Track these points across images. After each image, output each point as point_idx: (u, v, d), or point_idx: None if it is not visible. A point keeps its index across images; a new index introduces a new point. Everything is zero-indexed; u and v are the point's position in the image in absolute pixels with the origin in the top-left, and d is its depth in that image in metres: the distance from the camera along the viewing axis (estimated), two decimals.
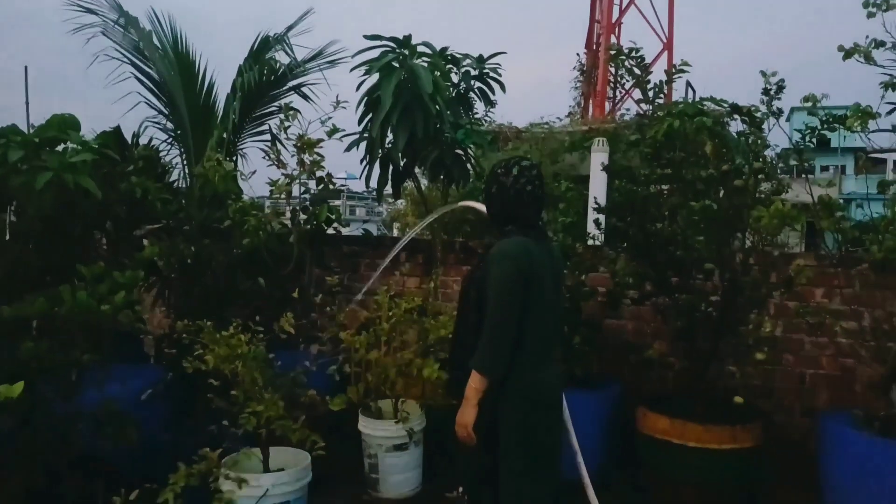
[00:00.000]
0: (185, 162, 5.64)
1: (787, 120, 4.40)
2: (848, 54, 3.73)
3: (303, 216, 4.95)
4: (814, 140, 4.15)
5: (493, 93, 5.00)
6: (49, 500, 3.07)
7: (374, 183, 5.03)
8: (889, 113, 3.74)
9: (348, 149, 4.82)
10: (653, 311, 4.48)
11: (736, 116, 4.08)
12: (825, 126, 4.00)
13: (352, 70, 4.58)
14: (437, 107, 4.43)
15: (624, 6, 22.79)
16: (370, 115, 4.64)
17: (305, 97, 5.91)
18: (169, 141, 5.78)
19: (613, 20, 22.66)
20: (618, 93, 20.16)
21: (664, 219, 4.17)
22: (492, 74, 4.93)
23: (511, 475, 2.63)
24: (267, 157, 4.89)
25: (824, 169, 29.05)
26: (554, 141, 10.28)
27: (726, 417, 3.79)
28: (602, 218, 4.55)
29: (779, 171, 4.21)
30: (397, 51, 4.48)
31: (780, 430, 4.32)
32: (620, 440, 4.25)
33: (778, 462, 4.10)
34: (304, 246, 4.81)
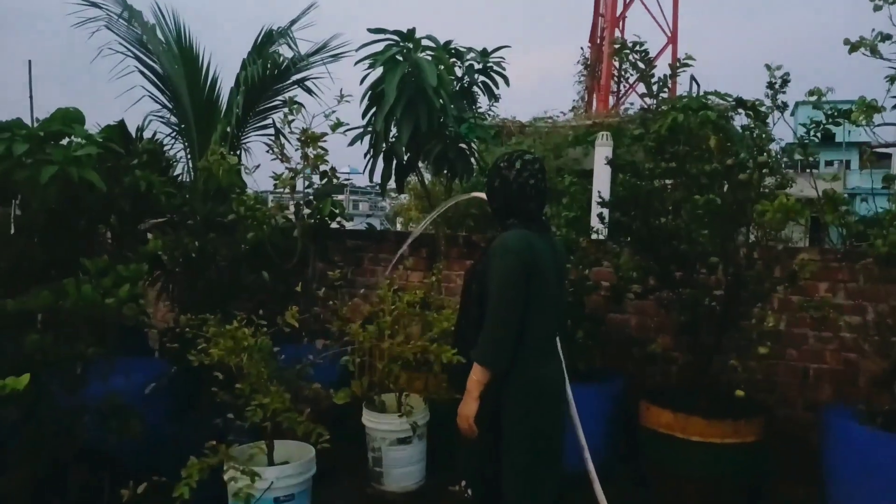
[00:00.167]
0: (188, 156, 5.65)
1: (792, 114, 4.38)
2: (854, 48, 3.71)
3: (306, 210, 4.95)
4: (818, 134, 4.13)
5: (497, 87, 5.00)
6: (54, 493, 3.09)
7: (377, 177, 5.04)
8: (895, 107, 3.72)
9: (352, 142, 4.83)
10: (656, 306, 4.48)
11: (740, 110, 4.07)
12: (830, 120, 3.98)
13: (356, 63, 4.58)
14: (441, 100, 4.43)
15: (628, 0, 22.73)
16: (374, 109, 4.64)
17: (309, 91, 5.90)
18: (173, 135, 5.78)
19: (617, 14, 22.61)
20: (622, 87, 20.13)
21: (668, 213, 4.16)
22: (495, 68, 4.93)
23: (514, 469, 2.64)
24: (271, 151, 4.90)
25: (829, 164, 28.93)
26: (557, 135, 10.28)
27: (729, 412, 3.79)
28: (606, 212, 4.54)
29: (783, 165, 4.20)
30: (401, 44, 4.48)
31: (783, 425, 4.33)
32: (623, 434, 4.26)
33: (781, 457, 4.11)
34: (307, 240, 4.82)
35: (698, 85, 10.84)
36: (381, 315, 4.03)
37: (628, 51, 4.50)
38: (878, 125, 3.75)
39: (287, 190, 4.87)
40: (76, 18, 5.42)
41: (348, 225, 5.95)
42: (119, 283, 2.89)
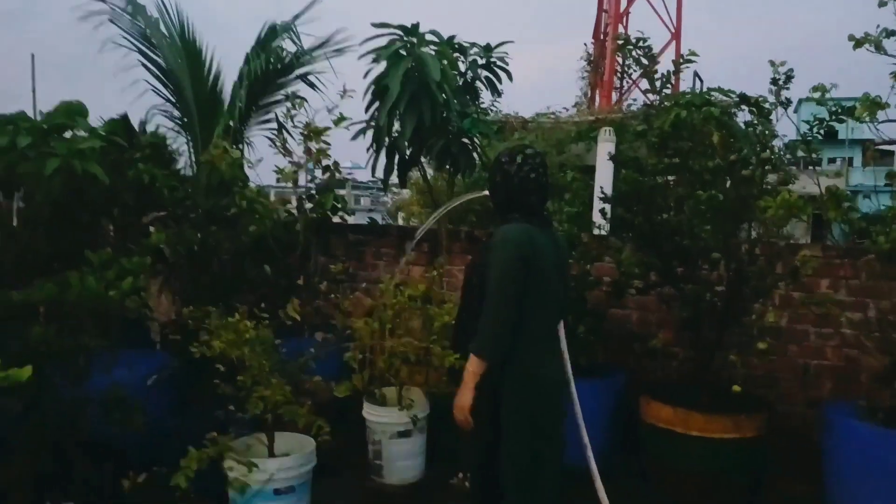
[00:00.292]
0: (191, 150, 5.65)
1: (795, 111, 4.38)
2: (858, 44, 3.70)
3: (308, 204, 4.96)
4: (822, 131, 4.13)
5: (500, 82, 4.99)
6: (57, 484, 3.11)
7: (379, 172, 5.03)
8: None
9: (355, 137, 4.82)
10: (657, 301, 4.48)
11: (744, 107, 4.07)
12: (833, 117, 3.98)
13: (360, 58, 4.58)
14: (445, 95, 4.42)
15: None
16: (377, 104, 4.64)
17: (312, 86, 5.90)
18: (176, 129, 5.79)
19: (621, 10, 22.56)
20: (625, 83, 20.10)
21: (670, 209, 4.16)
22: (499, 63, 4.91)
23: (513, 462, 2.65)
24: (273, 146, 4.90)
25: (831, 161, 28.87)
26: (560, 131, 10.25)
27: (730, 407, 3.80)
28: (608, 207, 4.54)
29: (786, 162, 4.20)
30: (405, 39, 4.47)
31: (783, 421, 4.33)
32: (624, 429, 4.27)
33: (781, 452, 4.11)
34: (309, 234, 4.83)
35: (701, 81, 10.85)
36: (383, 309, 4.04)
37: (632, 47, 4.50)
38: (883, 122, 3.74)
39: (289, 184, 4.88)
40: (80, 12, 5.42)
41: (350, 219, 5.96)
42: (122, 275, 2.90)
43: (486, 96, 5.29)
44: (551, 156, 8.93)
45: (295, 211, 4.93)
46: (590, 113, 12.57)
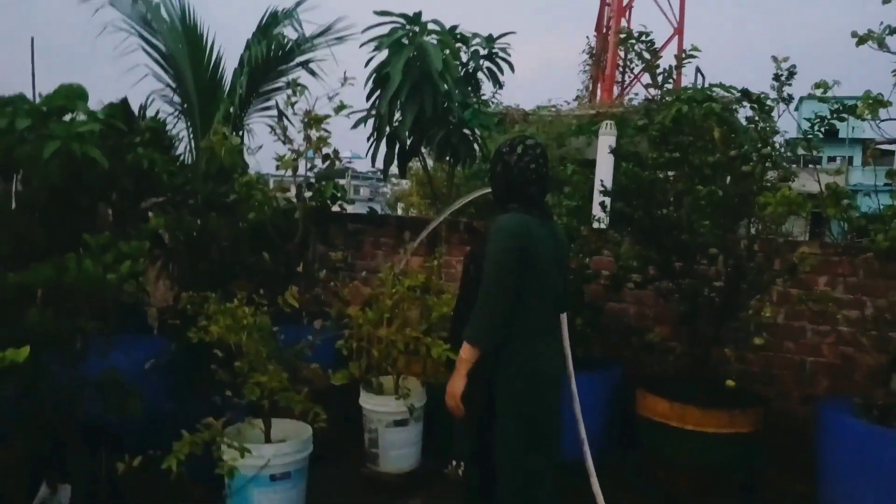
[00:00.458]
0: (191, 135, 5.63)
1: (796, 109, 4.37)
2: (861, 40, 3.69)
3: (308, 193, 4.95)
4: (822, 129, 4.12)
5: (502, 73, 4.98)
6: (53, 467, 3.11)
7: (379, 162, 5.03)
8: None
9: (355, 125, 4.82)
10: (655, 296, 4.49)
11: (745, 103, 4.06)
12: (835, 115, 3.97)
13: (361, 45, 4.57)
14: (446, 85, 4.42)
15: None
16: (378, 92, 4.63)
17: (313, 73, 5.87)
18: (175, 114, 5.77)
19: (624, 3, 22.46)
20: (626, 77, 20.04)
21: (670, 204, 4.16)
22: (501, 54, 4.91)
23: (506, 450, 2.65)
24: (273, 133, 4.88)
25: (831, 159, 28.89)
26: (561, 124, 10.23)
27: (725, 402, 3.81)
28: (608, 201, 4.54)
29: (786, 159, 4.19)
30: (407, 27, 4.47)
31: (778, 417, 4.34)
32: (620, 422, 4.28)
33: (776, 448, 4.13)
34: (308, 222, 4.82)
35: (703, 77, 10.82)
36: (382, 298, 4.04)
37: (634, 41, 4.48)
38: (884, 120, 3.74)
39: (289, 172, 4.87)
40: None
41: (349, 209, 5.95)
42: (120, 259, 2.90)
43: (486, 88, 5.29)
44: (552, 149, 8.91)
45: (294, 199, 4.91)
46: (591, 106, 12.54)
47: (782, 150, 4.17)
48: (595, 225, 4.89)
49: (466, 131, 4.89)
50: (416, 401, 3.96)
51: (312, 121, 4.74)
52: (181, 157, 5.23)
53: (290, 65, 5.90)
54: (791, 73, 3.95)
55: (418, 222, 5.39)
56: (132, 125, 4.14)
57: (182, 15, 5.68)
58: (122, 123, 3.54)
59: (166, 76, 5.76)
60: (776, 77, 3.97)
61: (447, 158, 5.00)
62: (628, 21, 21.74)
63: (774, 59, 3.96)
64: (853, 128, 4.12)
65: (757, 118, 4.02)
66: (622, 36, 4.73)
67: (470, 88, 4.96)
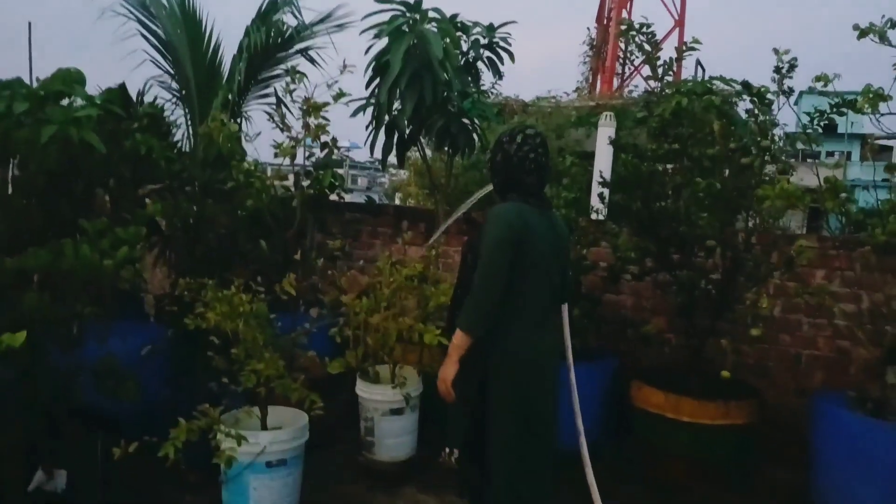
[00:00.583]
0: (189, 122, 5.61)
1: (796, 103, 4.36)
2: (863, 33, 3.68)
3: (306, 181, 4.93)
4: (822, 124, 4.12)
5: (503, 63, 4.95)
6: (49, 451, 3.11)
7: (378, 151, 5.01)
8: None
9: (354, 113, 4.79)
10: (652, 288, 4.50)
11: (745, 96, 4.05)
12: (834, 109, 3.97)
13: (361, 33, 4.54)
14: (446, 74, 4.39)
15: None
16: (378, 80, 4.61)
17: (312, 61, 5.85)
18: (174, 101, 5.75)
19: None
20: (626, 69, 20.00)
21: (668, 196, 4.16)
22: (501, 44, 4.88)
23: (500, 438, 2.66)
24: (271, 120, 4.85)
25: (830, 154, 28.88)
26: (560, 116, 10.21)
27: (720, 394, 3.83)
28: (606, 192, 4.54)
29: (785, 153, 4.19)
30: (408, 15, 4.44)
31: (773, 409, 4.36)
32: (615, 413, 4.30)
33: (770, 440, 4.15)
34: (306, 210, 4.80)
35: (703, 70, 10.81)
36: (379, 287, 4.04)
37: (635, 32, 4.47)
38: (884, 114, 3.73)
39: (287, 160, 4.84)
40: None
41: (347, 198, 5.94)
42: (117, 245, 2.89)
43: (486, 78, 5.26)
44: (551, 140, 8.87)
45: (292, 187, 4.90)
46: (590, 98, 12.52)
47: (781, 143, 4.17)
48: (593, 216, 4.89)
49: (466, 121, 4.87)
50: (412, 390, 3.97)
51: (311, 108, 4.72)
52: (179, 144, 5.21)
53: (290, 52, 5.88)
54: (792, 66, 3.95)
55: (416, 212, 5.39)
56: (130, 111, 4.11)
57: (181, 0, 5.65)
58: (120, 109, 3.51)
59: (165, 62, 5.74)
60: (777, 69, 3.96)
61: (446, 148, 4.98)
62: (629, 13, 21.68)
63: (776, 50, 3.95)
64: (852, 123, 4.12)
65: (757, 111, 4.02)
66: (623, 27, 4.71)
67: (470, 78, 4.94)
